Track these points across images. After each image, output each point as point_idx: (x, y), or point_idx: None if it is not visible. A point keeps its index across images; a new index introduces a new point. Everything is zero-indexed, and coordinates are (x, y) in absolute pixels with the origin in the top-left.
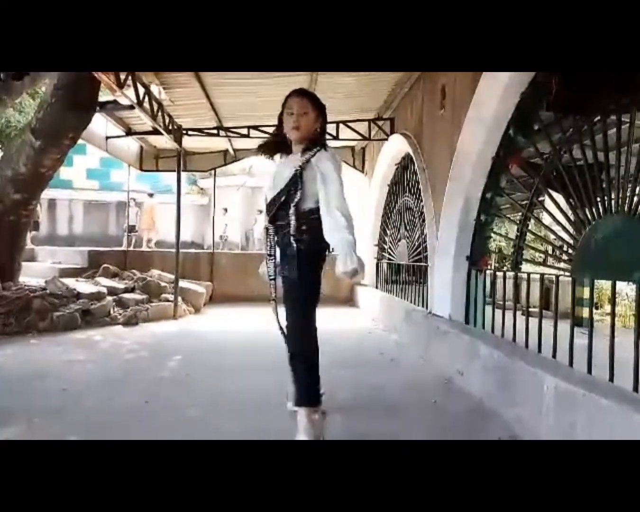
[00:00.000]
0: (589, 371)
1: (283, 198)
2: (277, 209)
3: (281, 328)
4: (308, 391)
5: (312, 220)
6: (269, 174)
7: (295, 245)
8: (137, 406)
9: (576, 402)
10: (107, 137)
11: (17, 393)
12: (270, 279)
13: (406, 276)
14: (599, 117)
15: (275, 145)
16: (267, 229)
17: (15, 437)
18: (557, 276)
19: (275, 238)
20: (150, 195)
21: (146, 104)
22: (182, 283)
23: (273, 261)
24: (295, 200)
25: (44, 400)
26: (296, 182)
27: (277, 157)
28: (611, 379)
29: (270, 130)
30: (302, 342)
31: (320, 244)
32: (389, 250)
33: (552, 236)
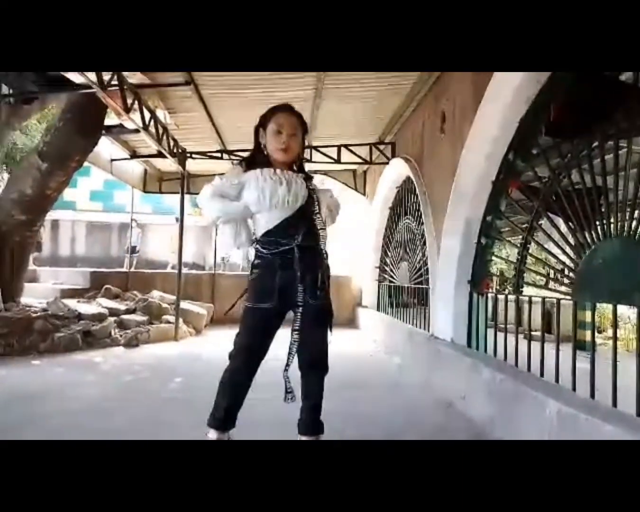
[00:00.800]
0: (592, 395)
1: (306, 216)
2: (302, 226)
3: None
4: (319, 418)
5: (323, 238)
6: (252, 182)
7: (324, 268)
8: (137, 427)
9: (578, 427)
10: (112, 160)
11: (17, 414)
12: (299, 305)
13: (407, 298)
14: (596, 143)
15: (260, 162)
16: (296, 248)
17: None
18: (559, 299)
19: (302, 257)
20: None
21: (151, 128)
22: (184, 304)
23: (302, 287)
24: (322, 224)
25: (43, 421)
26: (313, 204)
27: (254, 171)
28: (614, 404)
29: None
30: (325, 366)
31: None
32: (390, 272)
33: (553, 259)
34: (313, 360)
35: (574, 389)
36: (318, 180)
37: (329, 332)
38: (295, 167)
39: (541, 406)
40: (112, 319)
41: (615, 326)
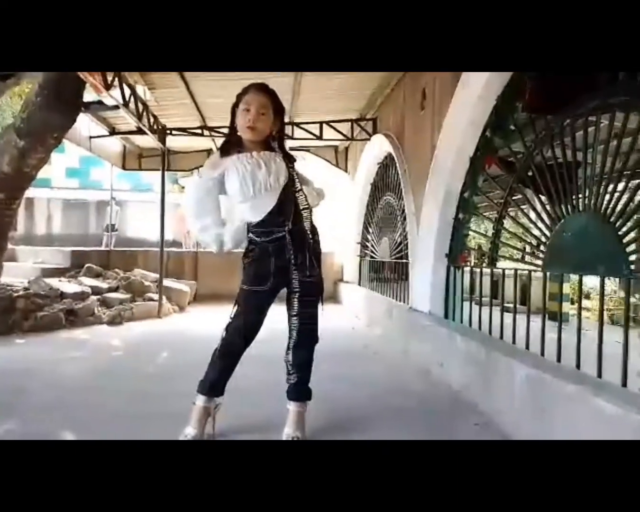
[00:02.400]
0: (558, 359)
1: (290, 200)
2: (289, 212)
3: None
4: (308, 386)
5: (312, 219)
6: (232, 170)
7: (314, 246)
8: (125, 401)
9: (545, 387)
10: (91, 137)
11: (6, 392)
12: (295, 290)
13: (388, 272)
14: (568, 120)
15: (234, 143)
16: (287, 233)
17: (9, 433)
18: (530, 271)
19: (293, 241)
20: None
21: (131, 105)
22: (166, 282)
23: (295, 269)
24: (305, 202)
25: (32, 398)
26: (295, 184)
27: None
28: (577, 366)
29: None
30: (316, 337)
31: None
32: (372, 247)
33: (527, 233)
34: (307, 330)
35: (542, 354)
36: (299, 157)
37: (319, 305)
38: (274, 147)
39: (512, 370)
40: (94, 297)
41: (580, 295)
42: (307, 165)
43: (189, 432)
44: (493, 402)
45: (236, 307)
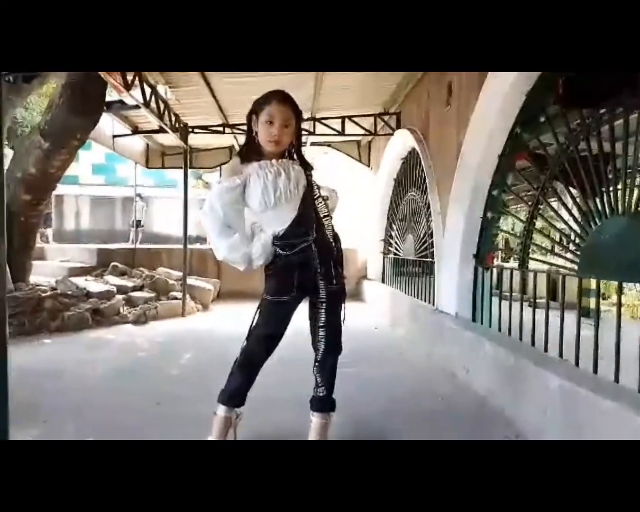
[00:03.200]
0: (595, 370)
1: (311, 209)
2: (312, 221)
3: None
4: (332, 397)
5: (329, 227)
6: (254, 178)
7: (336, 254)
8: (150, 404)
9: (579, 401)
10: (114, 136)
11: (33, 393)
12: (321, 301)
13: (412, 271)
14: (605, 112)
15: (254, 150)
16: (312, 243)
17: (34, 437)
18: (564, 276)
19: (319, 251)
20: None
21: (152, 104)
22: (190, 280)
23: (321, 280)
24: (325, 209)
25: (58, 399)
26: (313, 192)
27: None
28: (616, 379)
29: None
30: (340, 347)
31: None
32: (396, 245)
33: (560, 226)
34: (331, 342)
35: (577, 364)
36: (321, 152)
37: (343, 312)
38: (291, 155)
39: (543, 381)
40: (120, 296)
41: (619, 304)
42: (329, 160)
43: None
44: (522, 413)
45: (257, 317)
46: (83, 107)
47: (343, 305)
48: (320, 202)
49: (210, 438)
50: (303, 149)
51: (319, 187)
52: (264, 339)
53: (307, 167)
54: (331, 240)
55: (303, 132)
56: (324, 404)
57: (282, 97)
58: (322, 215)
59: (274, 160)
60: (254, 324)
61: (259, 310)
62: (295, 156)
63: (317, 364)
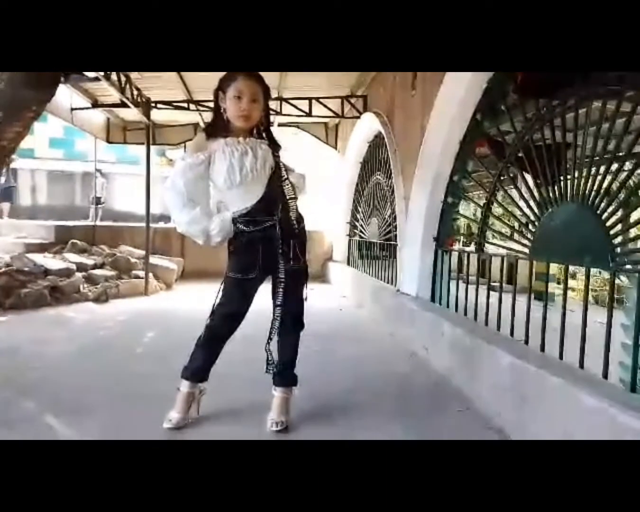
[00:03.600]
0: (542, 348)
1: (278, 190)
2: (277, 201)
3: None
4: (294, 371)
5: (294, 208)
6: (220, 155)
7: (300, 234)
8: (112, 381)
9: (528, 378)
10: (73, 109)
11: None
12: (280, 280)
13: (377, 253)
14: (559, 103)
15: (221, 127)
16: (276, 223)
17: None
18: (517, 258)
19: (282, 231)
20: None
21: (113, 76)
22: (153, 259)
23: (282, 259)
24: (291, 192)
25: (18, 376)
26: (281, 173)
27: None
28: (560, 356)
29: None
30: (302, 323)
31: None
32: (361, 227)
33: (517, 213)
34: (294, 318)
35: (526, 342)
36: (290, 132)
37: (305, 291)
38: (259, 134)
39: (495, 358)
40: (80, 274)
41: (565, 286)
42: (297, 141)
43: (173, 416)
44: (476, 388)
45: (221, 295)
46: (38, 77)
47: (305, 285)
48: (287, 184)
49: (172, 413)
50: (271, 128)
51: (287, 170)
52: (227, 316)
53: (275, 146)
54: (294, 221)
55: (270, 111)
56: (284, 378)
57: (249, 73)
58: (287, 197)
59: (241, 138)
60: (217, 301)
61: (221, 287)
62: (264, 134)
63: (270, 340)
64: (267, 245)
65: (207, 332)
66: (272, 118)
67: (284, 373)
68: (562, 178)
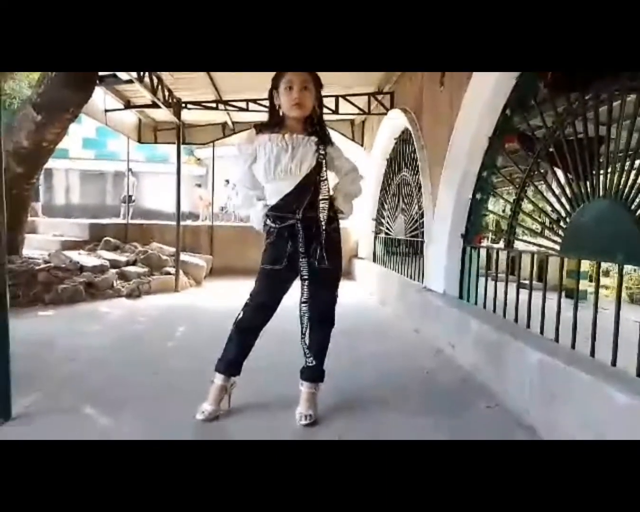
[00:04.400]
0: (573, 345)
1: (309, 188)
2: (304, 200)
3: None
4: (322, 368)
5: (333, 207)
6: (261, 150)
7: (329, 235)
8: (145, 375)
9: (557, 375)
10: (106, 110)
11: (29, 364)
12: (304, 278)
13: (403, 250)
14: (589, 96)
15: (275, 123)
16: (297, 221)
17: (32, 405)
18: (547, 256)
19: (304, 230)
20: (198, 185)
21: (146, 79)
22: (183, 256)
23: (306, 258)
24: (326, 192)
25: (54, 370)
26: (320, 172)
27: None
28: (592, 353)
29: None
30: (331, 320)
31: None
32: (387, 224)
33: (547, 208)
34: (321, 315)
35: (556, 340)
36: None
37: (337, 291)
38: (312, 126)
39: (524, 355)
40: (113, 270)
41: (597, 283)
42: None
43: (206, 408)
44: (504, 385)
45: (255, 286)
46: (76, 81)
47: (335, 285)
48: (325, 185)
49: (205, 405)
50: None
51: (327, 164)
52: (257, 307)
53: (325, 143)
54: (323, 222)
55: (323, 103)
56: (311, 373)
57: None
58: (320, 197)
59: (287, 135)
60: (251, 293)
61: (256, 280)
62: (317, 128)
63: (303, 336)
64: (293, 242)
65: (238, 324)
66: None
67: (313, 369)
68: (594, 173)
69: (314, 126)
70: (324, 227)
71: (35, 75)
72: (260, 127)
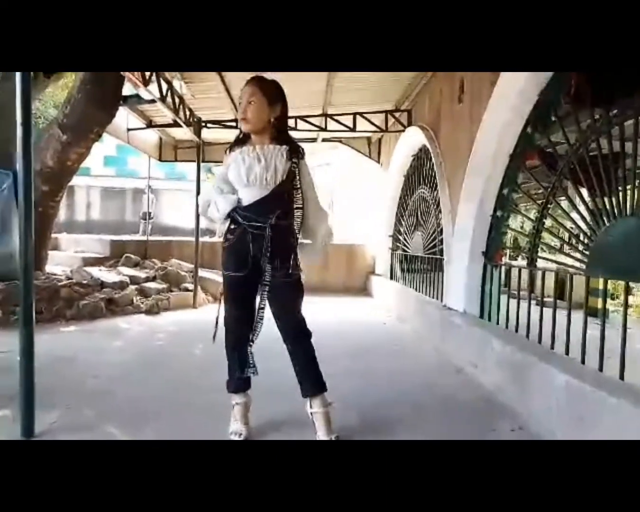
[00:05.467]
0: (600, 367)
1: (282, 196)
2: (277, 207)
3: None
4: (319, 377)
5: (298, 218)
6: (233, 164)
7: (295, 244)
8: (165, 391)
9: (585, 398)
10: (129, 129)
11: (52, 380)
12: (266, 284)
13: (420, 267)
14: (615, 112)
15: (242, 140)
16: (268, 227)
17: (55, 422)
18: (572, 274)
19: (272, 237)
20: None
21: (168, 99)
22: (201, 272)
23: (271, 266)
24: (300, 202)
25: (77, 386)
26: (294, 180)
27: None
28: (621, 376)
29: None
30: (308, 331)
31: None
32: (404, 241)
33: (568, 225)
34: (295, 332)
35: (582, 361)
36: (331, 146)
37: (299, 302)
38: (276, 139)
39: (549, 377)
40: (133, 287)
41: (626, 304)
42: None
43: (240, 429)
44: (528, 408)
45: (226, 297)
46: (101, 102)
47: (299, 296)
48: (298, 194)
49: (237, 426)
50: (315, 144)
51: (300, 173)
52: (237, 321)
53: (295, 153)
54: (296, 232)
55: (286, 116)
56: (305, 388)
57: (250, 79)
58: (295, 206)
59: (257, 146)
60: (225, 306)
61: (224, 288)
62: (281, 139)
63: (254, 341)
64: (258, 242)
65: (228, 342)
66: (315, 134)
67: (310, 381)
68: (621, 190)
69: (277, 138)
70: (293, 237)
71: (60, 96)
72: (230, 147)
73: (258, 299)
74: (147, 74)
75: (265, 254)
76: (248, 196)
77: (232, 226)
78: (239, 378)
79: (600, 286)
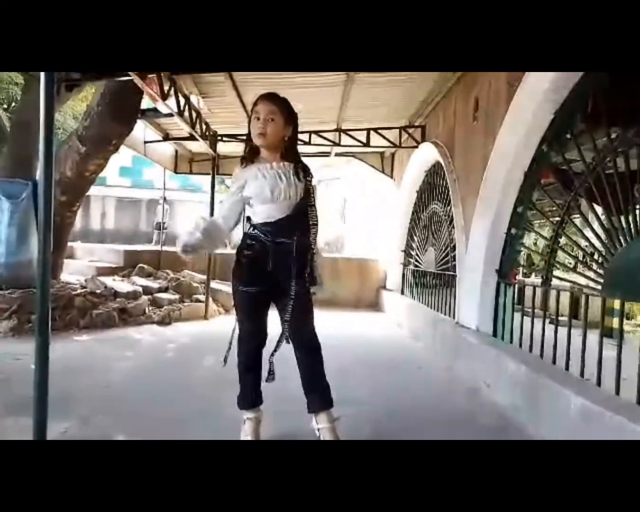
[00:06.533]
0: (617, 390)
1: (304, 213)
2: (300, 223)
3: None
4: (327, 393)
5: (313, 234)
6: (253, 180)
7: (306, 260)
8: (179, 403)
9: (602, 423)
10: (146, 142)
11: (65, 389)
12: (291, 297)
13: (432, 283)
14: (634, 130)
15: (253, 154)
16: (293, 242)
17: (66, 433)
18: (587, 295)
19: (296, 252)
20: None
21: (186, 113)
22: (213, 284)
23: (294, 280)
24: (315, 218)
25: (90, 396)
26: (309, 198)
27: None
28: (639, 401)
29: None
30: (318, 344)
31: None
32: (416, 256)
33: (583, 243)
34: (308, 345)
35: (598, 384)
36: (344, 161)
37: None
38: (287, 158)
39: (565, 400)
40: (146, 297)
41: None
42: (352, 170)
43: None
44: (543, 430)
45: (238, 314)
46: (120, 115)
47: (312, 310)
48: (313, 211)
49: (243, 437)
50: (328, 159)
51: (313, 191)
52: (250, 334)
53: (306, 172)
54: (312, 248)
55: (297, 137)
56: (311, 403)
57: (267, 95)
58: (310, 223)
59: (274, 164)
60: (237, 322)
61: (235, 304)
62: (292, 157)
63: (274, 352)
64: (279, 262)
65: (241, 359)
66: (329, 149)
67: (318, 397)
68: (638, 209)
69: (288, 158)
70: (309, 253)
71: (79, 108)
72: (244, 160)
73: (270, 312)
74: (166, 88)
75: (292, 269)
76: (269, 213)
77: (250, 242)
78: (248, 395)
79: (617, 306)
